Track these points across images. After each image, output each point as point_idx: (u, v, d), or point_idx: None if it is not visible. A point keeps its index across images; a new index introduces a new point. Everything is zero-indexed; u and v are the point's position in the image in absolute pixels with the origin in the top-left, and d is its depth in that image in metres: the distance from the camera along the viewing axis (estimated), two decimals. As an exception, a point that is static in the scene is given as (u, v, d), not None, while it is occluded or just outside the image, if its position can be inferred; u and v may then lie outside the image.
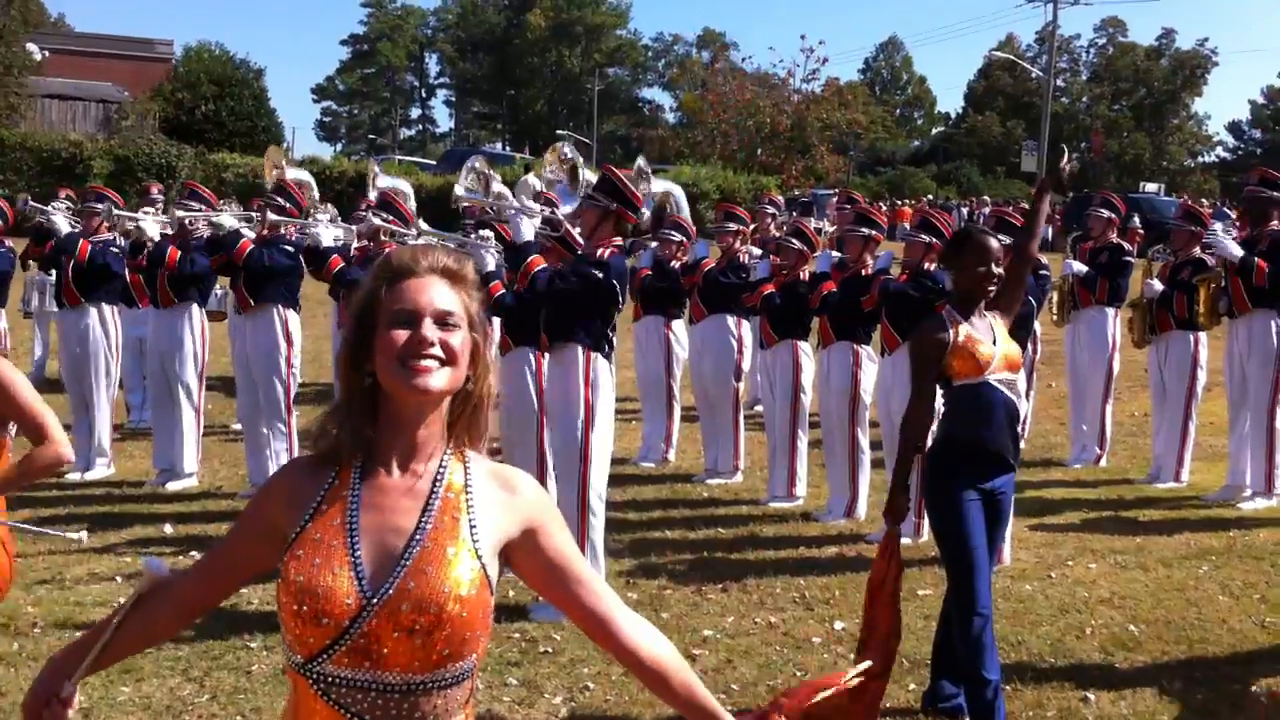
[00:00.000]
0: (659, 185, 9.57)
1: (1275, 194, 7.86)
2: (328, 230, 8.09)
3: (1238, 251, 7.79)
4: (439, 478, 1.90)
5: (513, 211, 6.10)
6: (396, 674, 1.80)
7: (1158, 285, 8.47)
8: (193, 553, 6.53)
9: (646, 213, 8.64)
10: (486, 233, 7.04)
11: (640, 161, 7.50)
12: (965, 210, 34.97)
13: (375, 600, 1.79)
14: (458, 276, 1.92)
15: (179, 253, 8.00)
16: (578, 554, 2.03)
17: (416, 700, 1.81)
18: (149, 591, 1.98)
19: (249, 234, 7.95)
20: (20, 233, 10.20)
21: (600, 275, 5.55)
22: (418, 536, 1.84)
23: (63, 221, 8.60)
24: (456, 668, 1.84)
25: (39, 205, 9.17)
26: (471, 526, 1.88)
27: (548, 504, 2.01)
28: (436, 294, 1.87)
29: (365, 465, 1.90)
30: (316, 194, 10.02)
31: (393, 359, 1.83)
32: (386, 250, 6.24)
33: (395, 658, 1.79)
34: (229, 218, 8.24)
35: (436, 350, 1.84)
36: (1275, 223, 7.88)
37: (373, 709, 1.80)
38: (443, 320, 1.86)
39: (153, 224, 8.35)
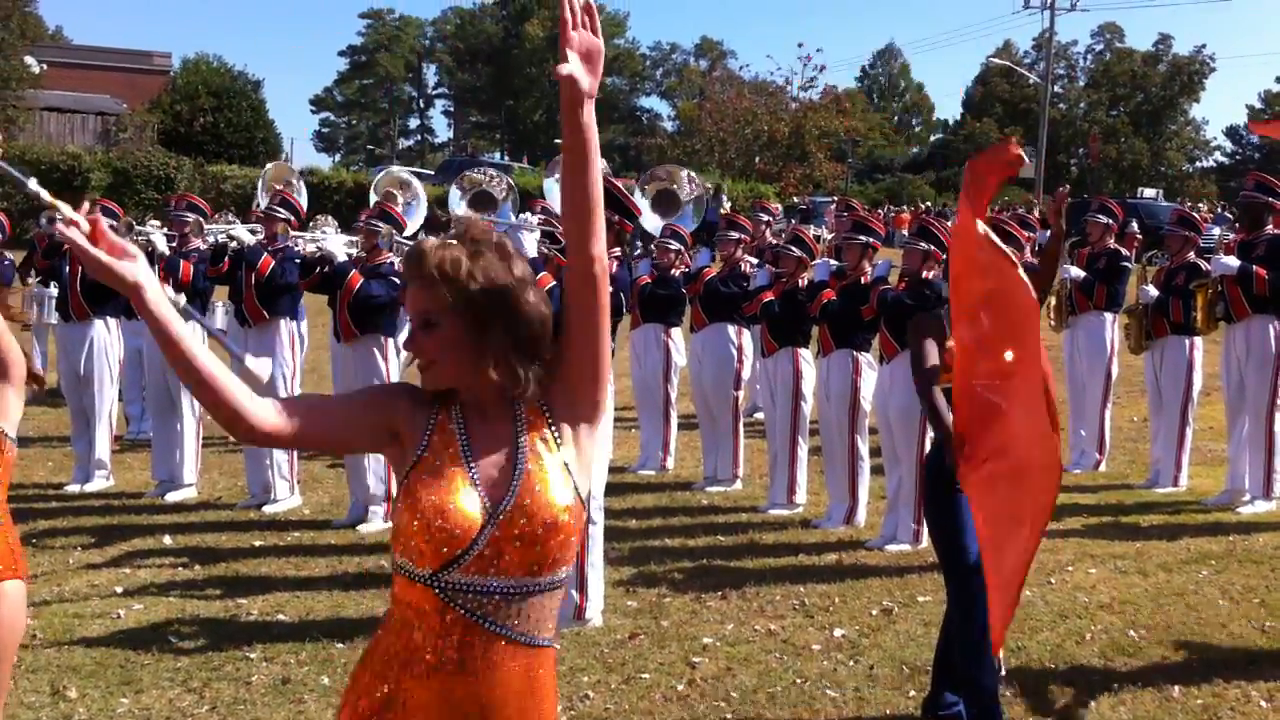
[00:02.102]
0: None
1: (1270, 199, 7.88)
2: (337, 241, 8.06)
3: (1236, 264, 7.81)
4: (518, 405, 2.16)
5: (509, 227, 6.11)
6: (518, 577, 2.07)
7: (1153, 291, 8.47)
8: (193, 565, 6.53)
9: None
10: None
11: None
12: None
13: (497, 516, 2.06)
14: (451, 274, 2.08)
15: (190, 267, 8.04)
16: None
17: (529, 601, 2.09)
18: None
19: (249, 238, 7.97)
20: (20, 245, 10.21)
21: (610, 291, 5.56)
22: (519, 461, 2.11)
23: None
24: (562, 571, 2.13)
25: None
26: (557, 440, 2.15)
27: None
28: (418, 300, 2.10)
29: (461, 406, 2.17)
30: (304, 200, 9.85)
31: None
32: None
33: (515, 564, 2.06)
34: (244, 232, 8.25)
35: (418, 358, 2.13)
36: (1271, 227, 7.90)
37: (496, 611, 2.07)
38: (424, 324, 2.10)
39: (161, 238, 8.35)
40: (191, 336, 2.04)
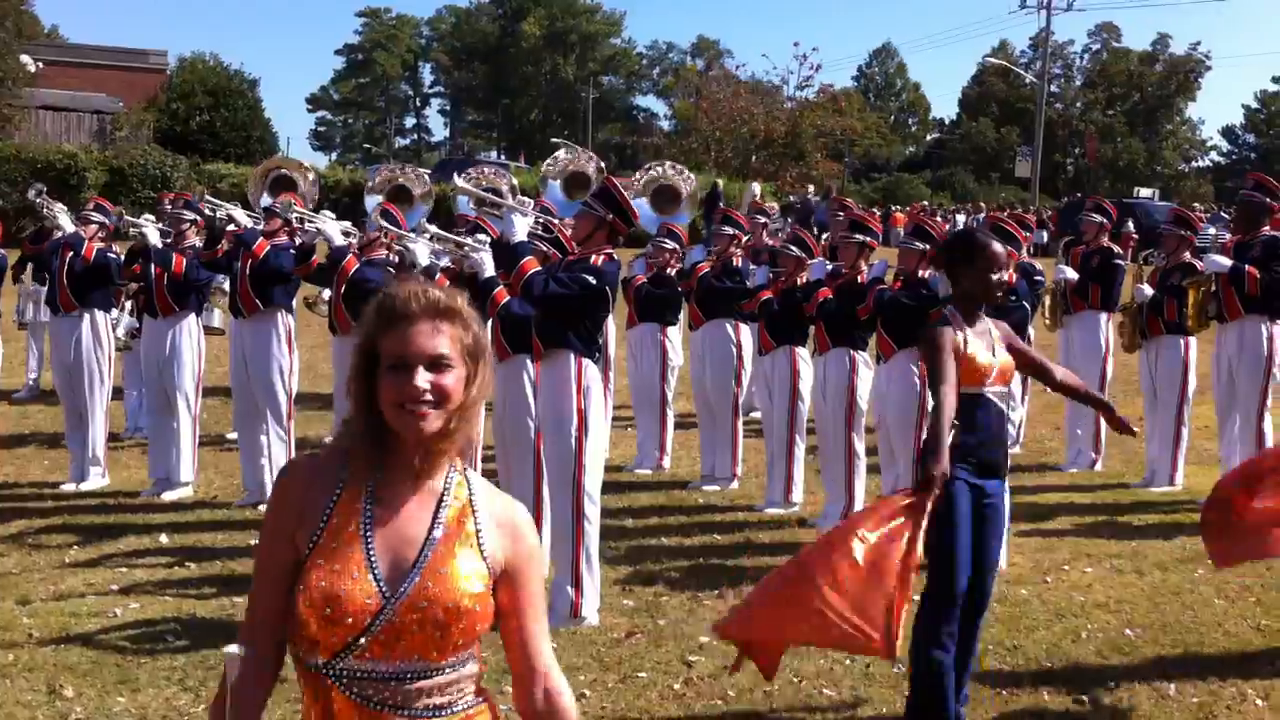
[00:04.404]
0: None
1: (1268, 200, 7.89)
2: (334, 226, 8.03)
3: (1228, 263, 7.82)
4: (447, 490, 2.05)
5: (507, 207, 6.10)
6: (416, 661, 1.96)
7: (1148, 290, 8.48)
8: (189, 563, 6.52)
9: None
10: (483, 237, 7.03)
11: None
12: (960, 216, 35.01)
13: (395, 600, 1.94)
14: (450, 312, 2.01)
15: (184, 260, 8.00)
16: (542, 605, 2.15)
17: (432, 680, 1.98)
18: (240, 676, 2.00)
19: (247, 221, 7.96)
20: (12, 245, 10.19)
21: (594, 280, 5.57)
22: (430, 541, 2.00)
23: (67, 222, 8.51)
24: (465, 654, 2.02)
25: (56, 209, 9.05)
26: (478, 531, 2.04)
27: (537, 554, 2.14)
28: (427, 339, 1.98)
29: (379, 478, 2.03)
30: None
31: (390, 403, 1.98)
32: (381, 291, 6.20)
33: (414, 648, 1.96)
34: (242, 215, 8.19)
35: (428, 396, 1.97)
36: (1267, 228, 7.92)
37: (394, 695, 1.96)
38: (435, 364, 1.97)
39: (154, 231, 8.32)
40: None
